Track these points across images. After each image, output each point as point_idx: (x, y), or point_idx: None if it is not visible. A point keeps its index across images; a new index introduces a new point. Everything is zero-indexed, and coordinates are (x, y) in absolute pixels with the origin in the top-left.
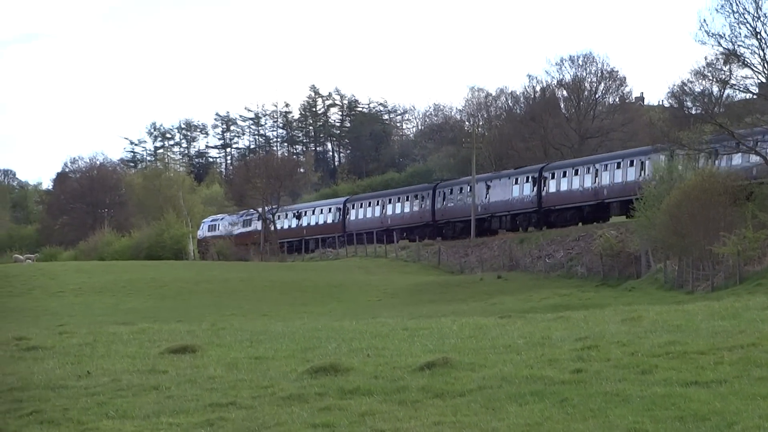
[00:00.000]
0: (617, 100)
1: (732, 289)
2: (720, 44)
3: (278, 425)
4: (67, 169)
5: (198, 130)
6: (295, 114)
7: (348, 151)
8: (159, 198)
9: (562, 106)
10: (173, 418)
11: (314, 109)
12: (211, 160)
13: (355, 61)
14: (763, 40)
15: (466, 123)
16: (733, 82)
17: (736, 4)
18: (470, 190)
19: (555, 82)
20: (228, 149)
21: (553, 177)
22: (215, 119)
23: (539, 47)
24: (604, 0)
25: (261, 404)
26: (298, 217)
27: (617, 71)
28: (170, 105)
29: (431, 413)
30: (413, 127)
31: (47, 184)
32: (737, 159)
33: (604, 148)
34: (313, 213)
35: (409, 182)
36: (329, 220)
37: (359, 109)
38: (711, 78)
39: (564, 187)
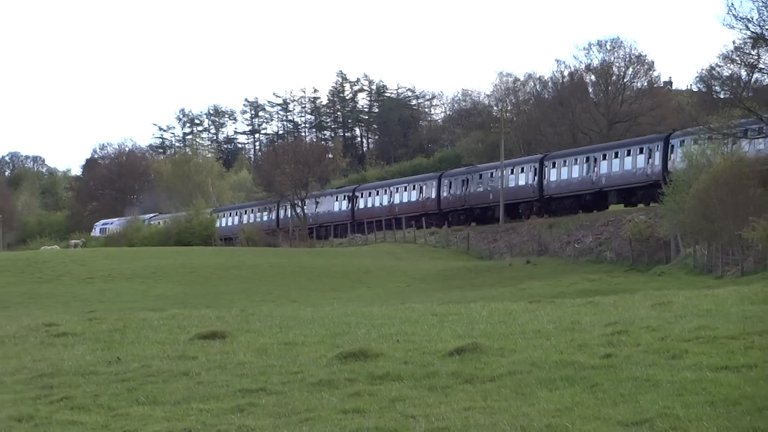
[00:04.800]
0: (645, 84)
1: (762, 274)
2: (748, 28)
3: (308, 411)
4: (96, 156)
5: (226, 116)
6: (324, 100)
7: (376, 137)
8: (188, 184)
9: (590, 90)
10: (203, 404)
11: (342, 95)
12: (239, 146)
13: (383, 47)
14: None
15: (494, 108)
16: (761, 66)
17: None
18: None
19: (583, 66)
20: (256, 135)
21: (362, 196)
22: (244, 105)
23: (567, 32)
24: None
25: (291, 390)
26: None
27: (645, 56)
28: (199, 91)
29: (461, 398)
30: (441, 112)
31: (76, 171)
32: None
33: (632, 133)
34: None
35: (437, 168)
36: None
37: (387, 94)
38: (739, 62)
39: (370, 204)
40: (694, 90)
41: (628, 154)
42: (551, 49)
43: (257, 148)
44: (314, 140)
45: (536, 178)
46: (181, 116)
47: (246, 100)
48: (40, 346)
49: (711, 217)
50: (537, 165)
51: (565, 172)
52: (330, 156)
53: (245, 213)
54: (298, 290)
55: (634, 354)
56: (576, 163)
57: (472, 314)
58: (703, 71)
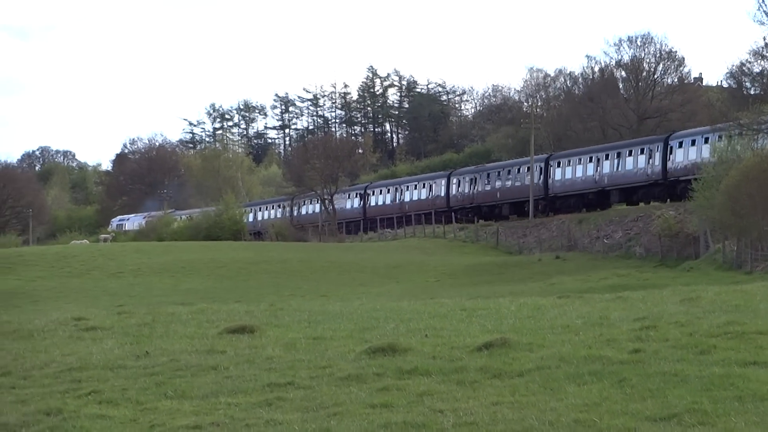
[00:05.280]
0: (676, 80)
1: None
2: None
3: (336, 405)
4: (126, 150)
5: (257, 111)
6: (354, 95)
7: (406, 132)
8: (218, 179)
9: (620, 86)
10: (231, 398)
11: (373, 90)
12: (269, 141)
13: (413, 42)
14: None
15: (525, 104)
16: None
17: None
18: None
19: (614, 62)
20: (286, 130)
21: (373, 194)
22: (274, 100)
23: (598, 28)
24: None
25: (319, 384)
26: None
27: (676, 52)
28: (229, 86)
29: (489, 393)
30: (472, 108)
31: (106, 165)
32: None
33: (662, 129)
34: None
35: (467, 163)
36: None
37: (418, 90)
38: None
39: (381, 202)
40: (724, 86)
41: (630, 154)
42: (581, 45)
43: (287, 143)
44: (344, 135)
45: (542, 177)
46: (211, 111)
47: (276, 95)
48: (69, 340)
49: (740, 212)
50: (542, 165)
51: (570, 172)
52: (360, 151)
53: (259, 210)
54: (327, 285)
55: (663, 349)
56: (580, 163)
57: (501, 309)
58: (734, 67)
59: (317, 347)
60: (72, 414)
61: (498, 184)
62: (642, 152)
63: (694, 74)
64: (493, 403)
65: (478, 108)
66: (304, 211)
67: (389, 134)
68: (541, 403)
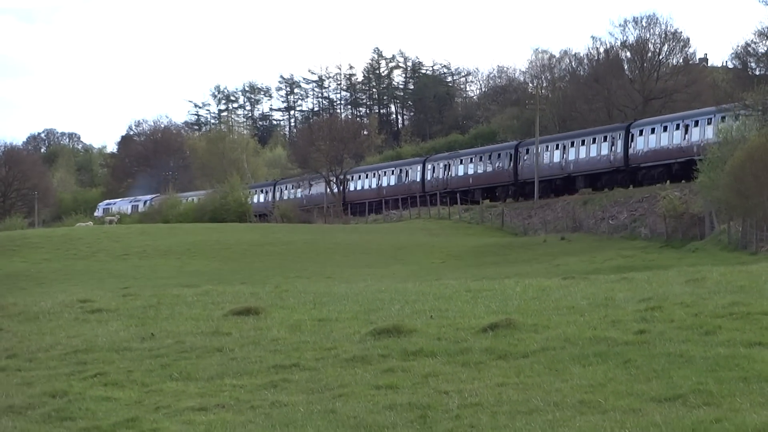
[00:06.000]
0: (681, 61)
1: None
2: None
3: (341, 387)
4: (131, 132)
5: (262, 92)
6: (359, 76)
7: (411, 114)
8: (223, 161)
9: (625, 67)
10: (237, 380)
11: (378, 72)
12: (274, 122)
13: (418, 23)
14: None
15: (530, 85)
16: None
17: None
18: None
19: (619, 43)
20: (292, 112)
21: (353, 179)
22: (279, 82)
23: (603, 8)
24: None
25: (324, 366)
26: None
27: (681, 32)
28: (234, 68)
29: (494, 374)
30: (477, 89)
31: (112, 147)
32: None
33: (667, 110)
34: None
35: (472, 144)
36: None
37: (423, 71)
38: None
39: (359, 187)
40: (729, 66)
41: (594, 141)
42: (587, 26)
43: (292, 124)
44: (349, 117)
45: (512, 164)
46: (216, 93)
47: (281, 76)
48: (74, 323)
49: (746, 193)
50: (512, 152)
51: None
52: (365, 133)
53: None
54: (333, 266)
55: (668, 330)
56: (547, 150)
57: (506, 290)
58: (739, 48)
59: (322, 329)
60: (77, 396)
61: (471, 170)
62: (605, 140)
63: (700, 55)
64: (498, 384)
65: (483, 89)
66: (287, 197)
67: (394, 116)
68: (546, 384)
